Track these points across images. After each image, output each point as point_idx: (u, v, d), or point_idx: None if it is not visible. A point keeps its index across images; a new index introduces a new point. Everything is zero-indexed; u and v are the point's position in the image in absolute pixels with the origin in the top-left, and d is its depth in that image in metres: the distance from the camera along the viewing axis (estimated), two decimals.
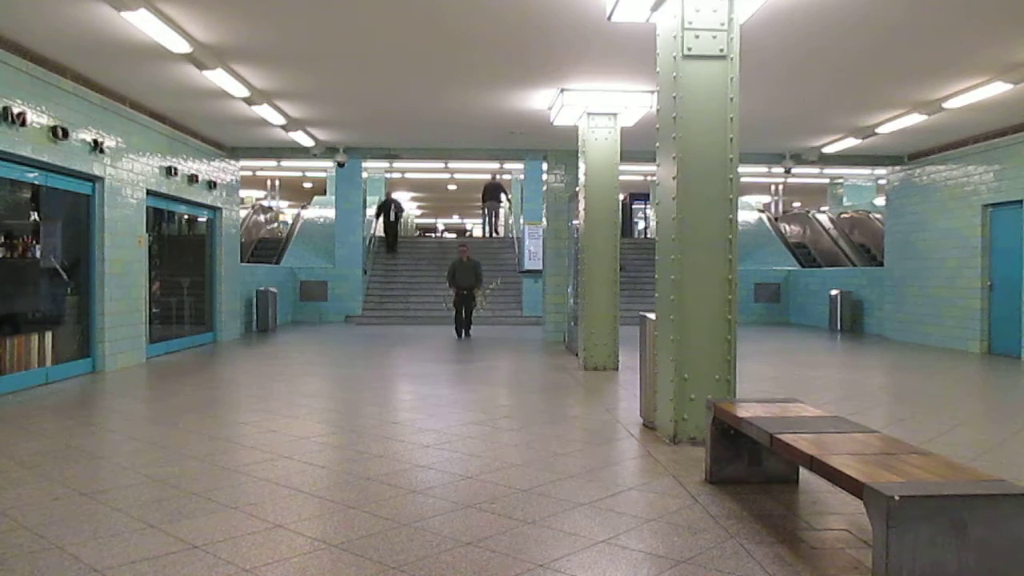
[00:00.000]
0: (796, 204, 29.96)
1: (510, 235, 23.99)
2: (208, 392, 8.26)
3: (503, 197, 23.13)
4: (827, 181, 24.37)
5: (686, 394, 5.39)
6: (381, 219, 20.90)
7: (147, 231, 10.35)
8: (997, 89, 8.66)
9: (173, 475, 4.65)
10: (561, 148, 12.67)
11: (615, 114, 9.34)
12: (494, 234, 23.62)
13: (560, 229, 12.66)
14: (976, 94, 8.94)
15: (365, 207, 20.11)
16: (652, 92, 8.65)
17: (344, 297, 17.87)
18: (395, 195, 27.89)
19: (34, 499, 4.17)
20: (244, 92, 9.01)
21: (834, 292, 15.84)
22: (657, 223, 5.89)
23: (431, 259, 20.10)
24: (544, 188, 14.81)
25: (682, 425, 5.42)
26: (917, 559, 2.69)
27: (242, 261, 14.98)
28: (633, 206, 27.03)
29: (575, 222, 10.65)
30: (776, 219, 24.42)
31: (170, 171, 10.93)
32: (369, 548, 3.46)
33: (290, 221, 24.73)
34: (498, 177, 22.84)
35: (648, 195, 24.74)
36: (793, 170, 14.66)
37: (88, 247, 9.07)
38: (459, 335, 13.99)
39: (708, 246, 5.41)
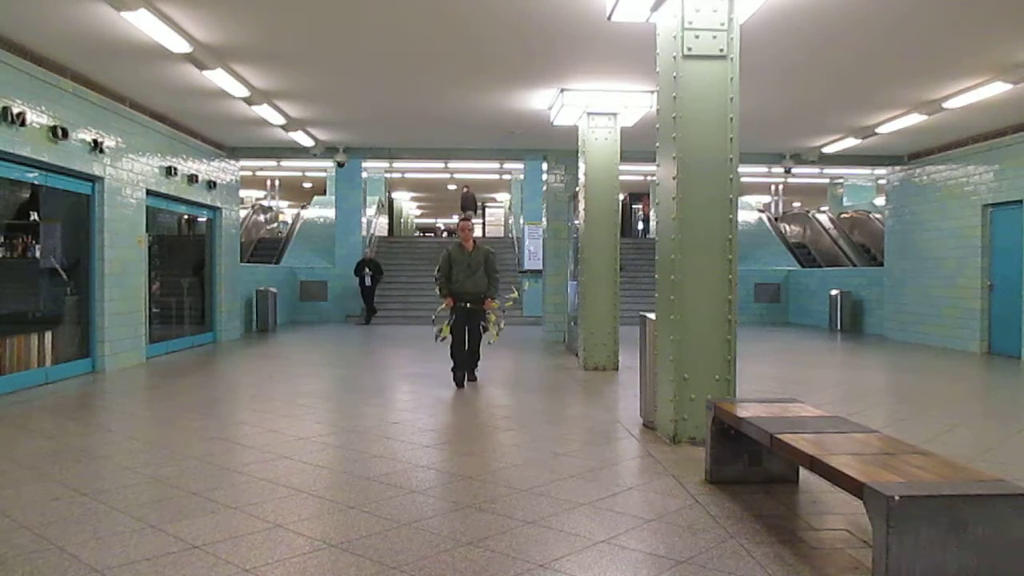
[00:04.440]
0: (796, 204, 29.96)
1: (510, 235, 24.04)
2: (208, 392, 8.26)
3: (477, 207, 25.30)
4: (827, 181, 24.37)
5: (686, 394, 5.39)
6: (357, 281, 17.53)
7: (147, 231, 10.35)
8: (997, 89, 8.66)
9: (173, 475, 4.65)
10: (561, 148, 12.67)
11: (615, 114, 9.35)
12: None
13: (560, 229, 12.66)
14: (976, 94, 8.94)
15: (365, 207, 20.08)
16: (652, 92, 8.65)
17: (344, 297, 17.87)
18: (394, 193, 28.08)
19: (34, 499, 4.17)
20: (244, 92, 9.01)
21: (834, 292, 15.84)
22: (657, 223, 5.89)
23: (432, 260, 20.09)
24: (544, 188, 14.80)
25: (682, 425, 5.41)
26: (917, 559, 2.69)
27: (242, 261, 14.98)
28: (633, 206, 27.09)
29: (575, 222, 10.65)
30: (776, 219, 24.43)
31: (170, 171, 10.93)
32: (369, 548, 3.46)
33: (290, 221, 24.75)
34: (470, 189, 24.53)
35: (648, 195, 24.77)
36: (793, 170, 14.66)
37: (88, 247, 9.07)
38: (459, 382, 8.21)
39: (708, 246, 5.41)
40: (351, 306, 17.81)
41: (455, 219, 39.12)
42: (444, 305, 8.31)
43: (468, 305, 8.17)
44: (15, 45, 7.45)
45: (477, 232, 24.10)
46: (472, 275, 8.17)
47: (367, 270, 17.24)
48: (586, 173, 9.47)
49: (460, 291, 8.17)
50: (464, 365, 8.30)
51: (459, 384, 8.17)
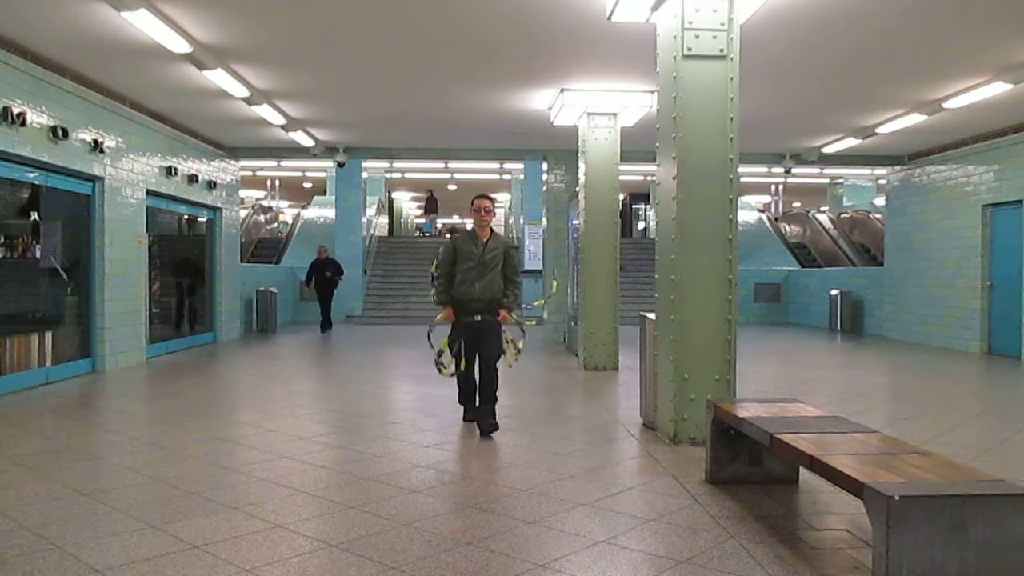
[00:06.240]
0: (796, 204, 29.97)
1: (510, 235, 24.06)
2: (208, 392, 8.26)
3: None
4: (827, 181, 24.38)
5: (686, 394, 5.39)
6: (312, 285, 15.44)
7: (147, 231, 10.35)
8: (997, 89, 8.66)
9: (173, 475, 4.65)
10: (561, 148, 12.66)
11: (615, 114, 9.35)
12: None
13: (560, 229, 12.65)
14: (976, 94, 8.94)
15: (365, 207, 20.07)
16: (652, 92, 8.64)
17: (344, 297, 17.81)
18: (394, 193, 28.24)
19: (34, 499, 4.17)
20: (244, 92, 9.01)
21: (834, 292, 15.84)
22: (657, 223, 5.89)
23: (430, 259, 20.03)
24: (544, 188, 14.80)
25: (682, 425, 5.41)
26: (917, 559, 2.69)
27: (242, 261, 14.98)
28: (633, 206, 27.12)
29: (575, 222, 10.65)
30: (776, 219, 24.44)
31: (170, 171, 10.93)
32: (369, 548, 3.46)
33: (290, 221, 24.75)
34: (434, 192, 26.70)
35: (648, 195, 24.80)
36: (793, 170, 14.66)
37: (88, 247, 9.07)
38: (470, 414, 6.16)
39: (708, 246, 5.41)
40: (352, 305, 17.77)
41: (456, 219, 38.96)
42: (441, 316, 6.09)
43: (479, 318, 5.86)
44: (15, 45, 7.45)
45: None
46: (484, 275, 5.87)
47: (326, 272, 15.24)
48: (586, 173, 9.47)
49: (466, 297, 5.88)
50: (474, 395, 6.09)
51: (470, 418, 6.11)
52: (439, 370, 6.02)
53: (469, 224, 6.92)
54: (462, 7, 6.50)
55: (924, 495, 2.76)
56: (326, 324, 15.34)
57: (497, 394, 5.94)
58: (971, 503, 2.74)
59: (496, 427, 5.76)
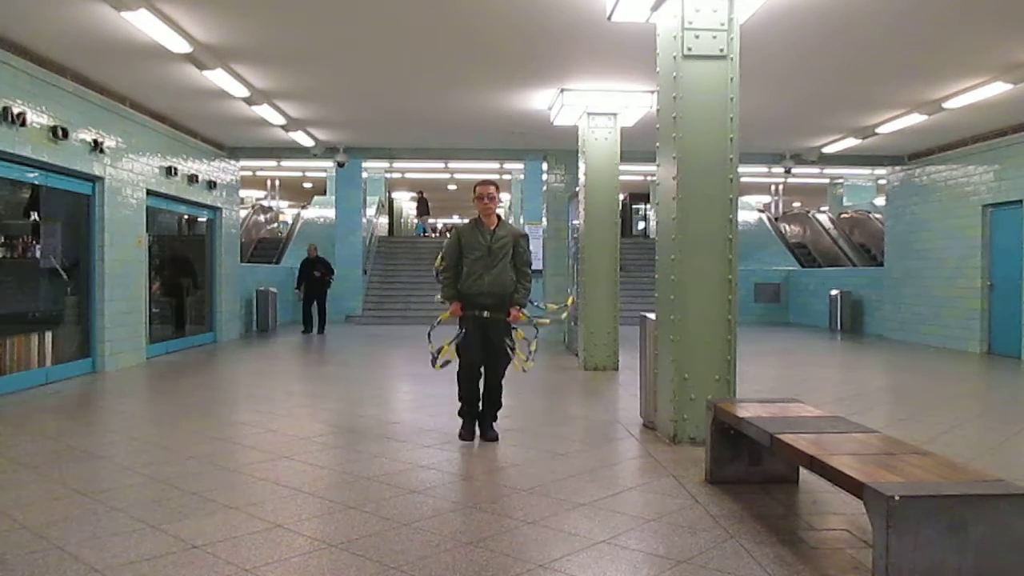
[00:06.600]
0: (796, 204, 29.97)
1: None
2: (208, 392, 8.26)
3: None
4: (827, 181, 24.38)
5: (686, 394, 5.39)
6: (303, 286, 14.85)
7: (147, 231, 10.34)
8: (997, 89, 8.66)
9: (173, 475, 4.65)
10: (561, 148, 12.67)
11: (615, 114, 9.35)
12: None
13: (560, 229, 12.67)
14: (976, 94, 8.94)
15: (365, 207, 20.07)
16: (652, 92, 8.64)
17: (344, 297, 17.83)
18: (394, 193, 28.30)
19: (34, 499, 4.17)
20: (244, 92, 9.01)
21: (834, 292, 15.84)
22: (657, 223, 5.89)
23: (432, 259, 20.03)
24: (544, 188, 14.80)
25: (682, 425, 5.41)
26: (917, 559, 2.69)
27: (242, 261, 14.97)
28: (633, 206, 27.14)
29: (575, 222, 10.64)
30: (776, 219, 24.44)
31: (170, 171, 10.93)
32: (369, 548, 3.46)
33: (290, 221, 24.76)
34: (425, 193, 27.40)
35: (648, 195, 24.80)
36: (793, 170, 14.66)
37: (88, 247, 9.07)
38: (467, 433, 5.62)
39: (708, 246, 5.41)
40: (352, 305, 17.76)
41: (456, 218, 38.96)
42: (448, 313, 5.67)
43: (486, 314, 5.47)
44: (15, 45, 7.45)
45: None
46: (493, 266, 5.44)
47: (315, 271, 14.85)
48: (586, 173, 9.47)
49: (474, 291, 5.47)
50: (476, 407, 5.67)
51: (466, 436, 5.59)
52: (432, 362, 5.66)
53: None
54: (462, 7, 6.50)
55: (924, 495, 2.76)
56: (321, 326, 14.88)
57: (503, 399, 5.80)
58: (971, 503, 2.74)
59: (496, 438, 5.57)
